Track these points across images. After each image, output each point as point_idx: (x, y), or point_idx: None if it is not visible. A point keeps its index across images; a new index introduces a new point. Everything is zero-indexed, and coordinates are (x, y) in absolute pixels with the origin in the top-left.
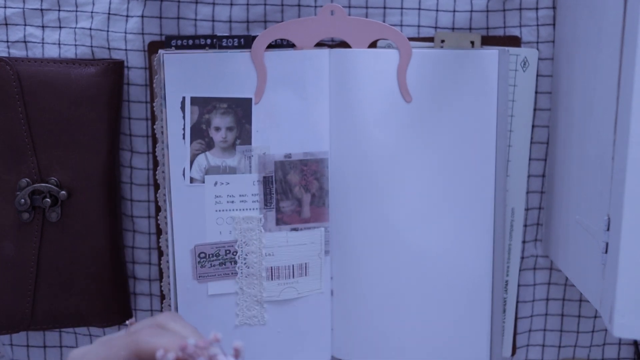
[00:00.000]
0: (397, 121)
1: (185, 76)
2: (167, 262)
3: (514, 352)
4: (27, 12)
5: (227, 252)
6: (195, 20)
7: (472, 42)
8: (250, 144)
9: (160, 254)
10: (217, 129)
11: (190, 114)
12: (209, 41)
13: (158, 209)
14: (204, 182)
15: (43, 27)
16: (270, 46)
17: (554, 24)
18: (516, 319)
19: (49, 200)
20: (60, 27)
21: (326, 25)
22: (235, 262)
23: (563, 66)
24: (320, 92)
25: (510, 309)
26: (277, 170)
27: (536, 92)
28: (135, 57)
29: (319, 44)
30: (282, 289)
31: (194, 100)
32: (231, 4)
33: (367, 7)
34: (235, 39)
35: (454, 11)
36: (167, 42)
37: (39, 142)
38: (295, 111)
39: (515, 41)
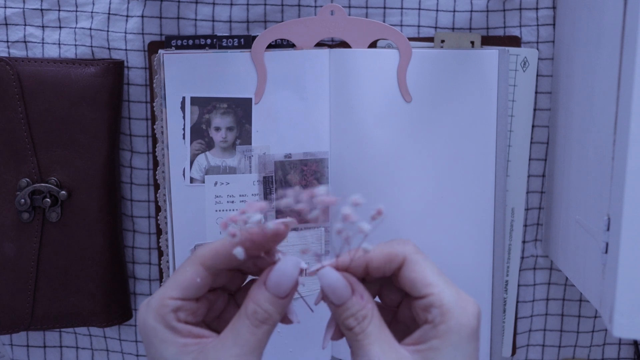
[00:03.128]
0: (397, 121)
1: (185, 76)
2: (167, 262)
3: (514, 352)
4: (27, 12)
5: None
6: (195, 20)
7: (472, 42)
8: (250, 144)
9: (160, 254)
10: (217, 129)
11: (190, 114)
12: (209, 41)
13: (158, 209)
14: (204, 182)
15: (43, 27)
16: (270, 46)
17: (554, 24)
18: (516, 319)
19: (49, 200)
20: (60, 27)
21: (326, 25)
22: None
23: (563, 66)
24: (320, 92)
25: (510, 309)
26: (277, 170)
27: (536, 92)
28: (135, 57)
29: (319, 44)
30: None
31: (194, 100)
32: (231, 4)
33: (367, 7)
34: (235, 39)
35: (454, 11)
36: (167, 42)
37: (39, 142)
38: (295, 111)
39: (515, 41)
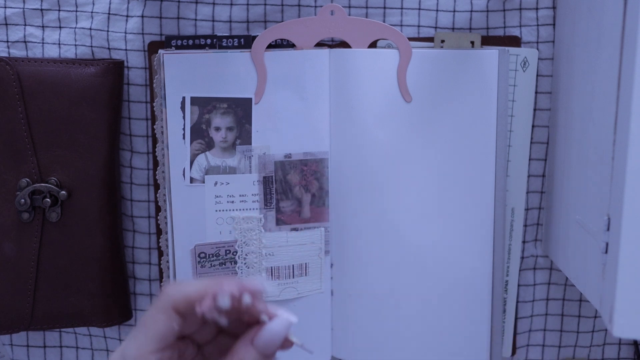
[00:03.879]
0: (397, 121)
1: (185, 76)
2: (167, 262)
3: (514, 352)
4: (27, 12)
5: (227, 252)
6: (195, 20)
7: (472, 42)
8: (250, 144)
9: (160, 254)
10: (217, 129)
11: (190, 114)
12: (209, 41)
13: (158, 209)
14: (204, 182)
15: (43, 27)
16: (270, 46)
17: (554, 24)
18: (516, 319)
19: (49, 200)
20: (60, 27)
21: (326, 25)
22: (236, 262)
23: (563, 66)
24: (320, 92)
25: (510, 309)
26: (277, 170)
27: (536, 92)
28: (135, 57)
29: (319, 44)
30: (282, 289)
31: (194, 100)
32: (231, 4)
33: (367, 7)
34: (235, 39)
35: (454, 11)
36: (167, 42)
37: (39, 142)
38: (295, 111)
39: (515, 41)
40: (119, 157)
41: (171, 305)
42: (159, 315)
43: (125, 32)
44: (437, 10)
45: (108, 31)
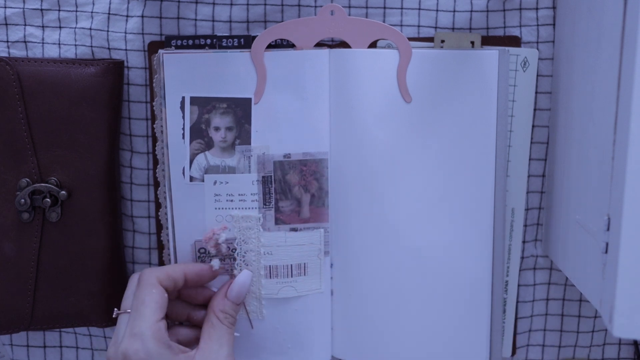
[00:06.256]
0: (397, 121)
1: (185, 76)
2: (169, 255)
3: (514, 352)
4: (27, 12)
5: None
6: (195, 20)
7: (472, 42)
8: (249, 143)
9: (161, 248)
10: (217, 128)
11: (190, 114)
12: (209, 41)
13: (158, 206)
14: (203, 181)
15: (43, 27)
16: (270, 46)
17: (554, 24)
18: (516, 319)
19: (49, 200)
20: (60, 27)
21: (326, 25)
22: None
23: (563, 66)
24: (320, 92)
25: (510, 309)
26: (276, 170)
27: (536, 92)
28: (135, 57)
29: (319, 44)
30: (281, 287)
31: (194, 100)
32: (231, 4)
33: (367, 7)
34: (235, 39)
35: (454, 11)
36: (167, 42)
37: (39, 142)
38: (295, 111)
39: (515, 41)
40: (119, 157)
41: (157, 281)
42: (152, 289)
43: (125, 32)
44: (437, 10)
45: (108, 31)
